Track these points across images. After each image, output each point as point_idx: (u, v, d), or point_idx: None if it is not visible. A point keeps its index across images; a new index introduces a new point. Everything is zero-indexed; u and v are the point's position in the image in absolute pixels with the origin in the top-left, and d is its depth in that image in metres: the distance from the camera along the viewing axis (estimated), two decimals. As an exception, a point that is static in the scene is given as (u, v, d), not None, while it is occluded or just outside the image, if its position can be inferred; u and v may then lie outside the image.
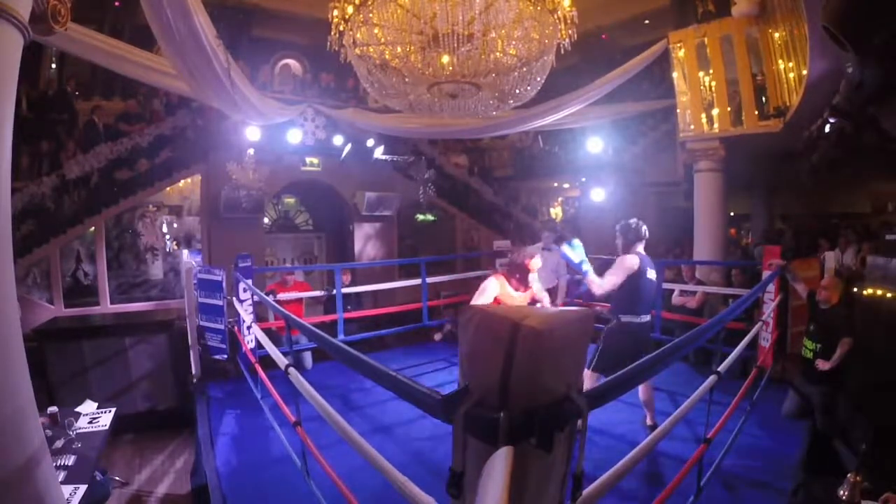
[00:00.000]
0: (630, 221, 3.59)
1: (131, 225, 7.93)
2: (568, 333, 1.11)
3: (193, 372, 5.12)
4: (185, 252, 8.02)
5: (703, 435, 2.53)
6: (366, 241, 8.91)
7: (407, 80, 3.98)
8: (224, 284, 4.88)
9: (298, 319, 2.75)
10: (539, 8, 3.54)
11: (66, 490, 2.53)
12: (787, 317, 4.93)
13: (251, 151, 7.00)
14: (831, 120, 4.06)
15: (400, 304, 6.54)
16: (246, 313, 4.57)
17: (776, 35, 5.28)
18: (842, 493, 1.84)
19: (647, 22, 9.63)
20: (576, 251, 3.37)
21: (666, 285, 5.52)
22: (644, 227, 3.58)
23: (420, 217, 10.21)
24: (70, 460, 2.93)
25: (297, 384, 2.28)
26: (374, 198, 8.40)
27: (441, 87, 3.96)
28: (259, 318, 4.97)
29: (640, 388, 3.63)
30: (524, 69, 3.94)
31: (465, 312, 1.15)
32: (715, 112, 6.15)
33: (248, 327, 4.52)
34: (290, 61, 10.39)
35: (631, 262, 3.44)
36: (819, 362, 3.52)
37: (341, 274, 5.70)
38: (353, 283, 6.33)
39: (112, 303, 6.71)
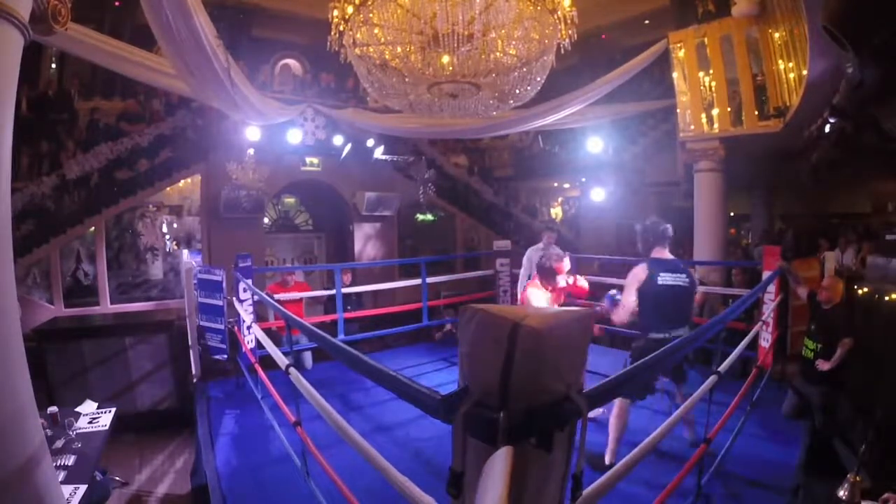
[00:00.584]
0: (648, 221, 3.26)
1: (131, 225, 7.93)
2: (568, 333, 1.11)
3: (193, 372, 5.12)
4: (185, 252, 8.02)
5: (703, 435, 2.52)
6: (366, 241, 8.91)
7: (407, 80, 3.98)
8: (224, 284, 4.88)
9: (298, 319, 2.75)
10: (539, 8, 3.53)
11: (66, 490, 2.53)
12: (788, 317, 4.94)
13: (251, 151, 7.00)
14: (831, 120, 4.06)
15: (400, 304, 6.54)
16: (246, 313, 4.57)
17: (776, 35, 5.28)
18: (842, 493, 1.83)
19: (647, 22, 9.63)
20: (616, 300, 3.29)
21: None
22: (664, 227, 3.22)
23: (420, 217, 10.21)
24: (70, 460, 2.93)
25: (298, 384, 2.28)
26: (374, 198, 8.40)
27: (441, 87, 3.96)
28: (259, 318, 4.97)
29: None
30: (524, 69, 3.94)
31: (465, 312, 1.15)
32: (715, 112, 6.15)
33: (248, 327, 4.52)
34: (290, 61, 10.39)
35: (636, 272, 3.14)
36: (820, 362, 3.51)
37: (341, 274, 5.70)
38: (353, 283, 6.33)
39: (112, 303, 6.71)
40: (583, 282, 3.84)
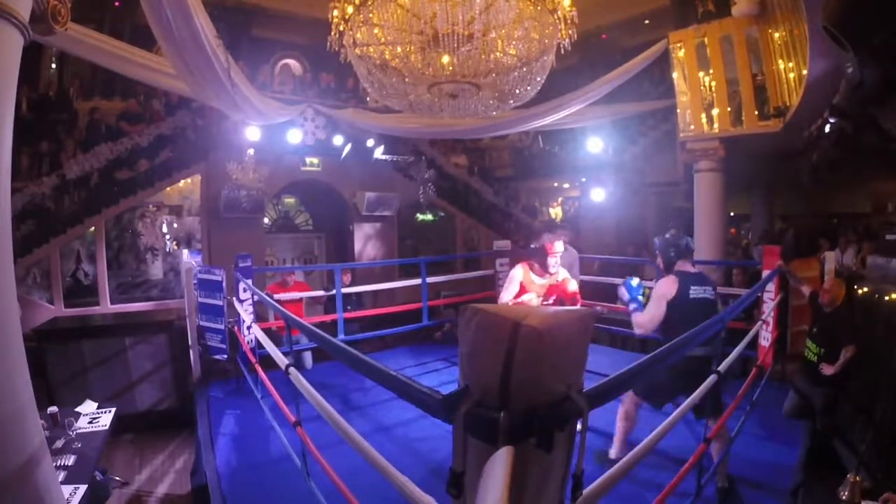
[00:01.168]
0: (669, 235, 3.19)
1: (131, 225, 7.93)
2: (568, 333, 1.11)
3: (193, 372, 5.12)
4: (185, 252, 8.01)
5: (703, 435, 2.52)
6: (366, 241, 8.91)
7: (407, 80, 3.98)
8: (224, 284, 4.88)
9: (298, 319, 2.75)
10: (539, 8, 3.54)
11: (66, 490, 2.53)
12: (788, 316, 4.94)
13: (251, 151, 7.00)
14: (831, 120, 4.06)
15: (400, 304, 6.54)
16: (246, 313, 4.57)
17: (776, 35, 5.28)
18: (842, 493, 1.83)
19: (647, 22, 9.64)
20: (634, 287, 3.19)
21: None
22: (686, 240, 3.18)
23: (420, 217, 10.21)
24: (70, 460, 2.93)
25: (298, 384, 2.28)
26: (374, 198, 8.40)
27: (441, 87, 3.97)
28: (259, 318, 4.97)
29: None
30: (524, 69, 3.94)
31: (465, 312, 1.15)
32: (715, 112, 6.15)
33: (248, 327, 4.52)
34: (290, 61, 10.40)
35: (666, 287, 3.04)
36: (824, 367, 3.50)
37: (341, 274, 5.70)
38: (353, 283, 6.33)
39: (112, 303, 6.71)
40: (572, 285, 3.75)
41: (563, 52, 3.81)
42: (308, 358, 5.64)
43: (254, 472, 3.35)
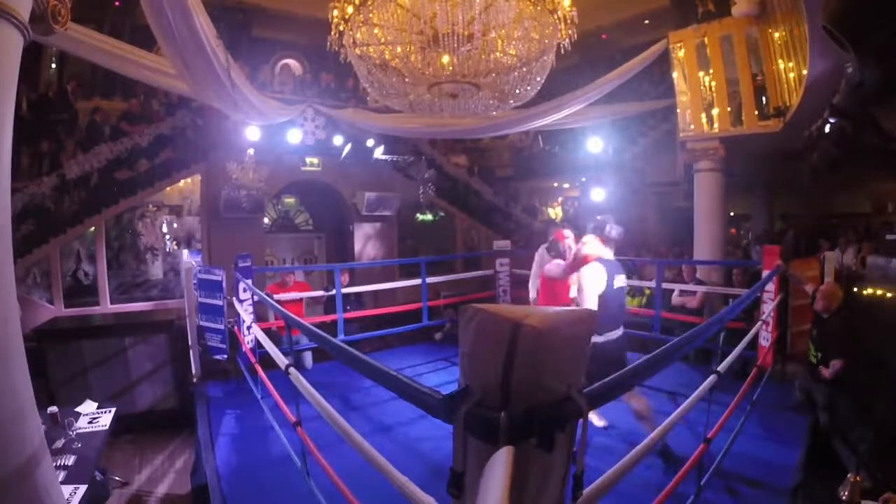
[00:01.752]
0: (598, 218, 3.35)
1: (131, 225, 7.93)
2: (569, 333, 1.11)
3: (193, 372, 5.12)
4: (185, 252, 8.02)
5: (703, 435, 2.53)
6: (366, 241, 8.91)
7: (407, 80, 3.98)
8: (224, 284, 4.88)
9: (298, 319, 2.75)
10: (539, 8, 3.54)
11: (66, 490, 2.53)
12: (787, 316, 4.94)
13: (251, 151, 7.00)
14: (831, 120, 4.06)
15: (400, 304, 6.54)
16: (246, 313, 4.57)
17: (776, 35, 5.28)
18: (842, 493, 1.83)
19: (647, 22, 9.63)
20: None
21: (666, 285, 5.52)
22: (610, 227, 3.29)
23: (420, 217, 10.21)
24: (70, 460, 2.93)
25: (298, 384, 2.28)
26: (374, 198, 8.40)
27: (441, 86, 3.96)
28: (259, 318, 4.97)
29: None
30: (524, 69, 3.94)
31: (466, 312, 1.15)
32: (715, 112, 6.15)
33: (248, 327, 4.52)
34: (290, 61, 10.40)
35: (595, 277, 3.17)
36: (822, 369, 3.52)
37: (341, 274, 5.70)
38: (353, 283, 6.33)
39: (112, 303, 6.71)
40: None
41: (563, 52, 3.81)
42: (308, 358, 5.64)
43: (254, 472, 3.35)
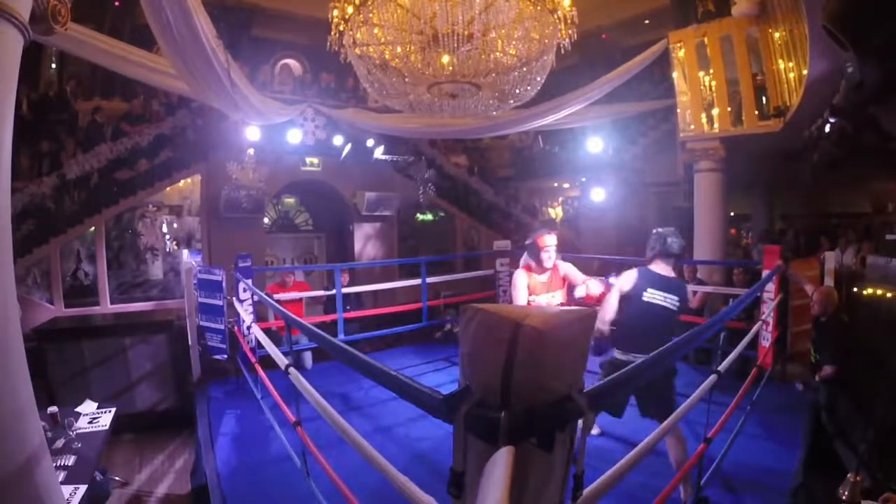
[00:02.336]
0: (657, 231, 3.03)
1: (131, 225, 7.92)
2: (569, 333, 1.11)
3: (193, 372, 5.12)
4: (185, 252, 8.01)
5: (703, 435, 2.53)
6: (366, 241, 8.91)
7: (407, 80, 3.98)
8: (224, 284, 4.88)
9: (298, 319, 2.75)
10: (539, 8, 3.54)
11: (66, 490, 2.53)
12: (788, 316, 4.94)
13: (251, 151, 7.00)
14: (831, 120, 4.06)
15: (400, 304, 6.54)
16: (246, 313, 4.57)
17: (776, 35, 5.28)
18: (842, 493, 1.83)
19: (647, 22, 9.63)
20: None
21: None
22: (670, 240, 2.93)
23: (420, 217, 10.21)
24: (70, 460, 2.93)
25: (297, 384, 2.28)
26: (374, 198, 8.40)
27: (441, 87, 3.97)
28: (259, 318, 4.97)
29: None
30: (524, 69, 3.95)
31: (466, 312, 1.15)
32: (715, 112, 6.15)
33: (248, 327, 4.52)
34: (290, 61, 10.39)
35: (623, 280, 2.97)
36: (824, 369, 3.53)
37: (341, 274, 5.70)
38: (353, 283, 6.33)
39: (112, 303, 6.70)
40: (595, 287, 3.54)
41: (563, 52, 3.82)
42: (308, 358, 5.64)
43: (254, 472, 3.35)
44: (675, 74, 6.50)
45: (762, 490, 2.96)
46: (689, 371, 5.03)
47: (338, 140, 7.79)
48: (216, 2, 8.08)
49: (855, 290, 5.00)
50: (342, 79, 8.90)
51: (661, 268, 2.96)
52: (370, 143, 8.04)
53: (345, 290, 5.68)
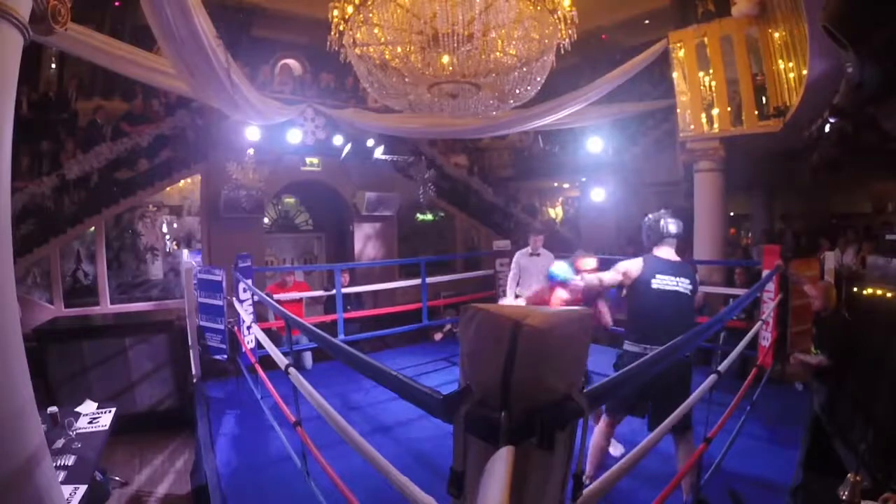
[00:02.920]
0: (648, 217, 2.93)
1: (131, 225, 7.92)
2: (569, 332, 1.11)
3: (193, 372, 5.12)
4: (185, 252, 8.02)
5: (703, 435, 2.53)
6: (366, 241, 8.91)
7: (407, 80, 3.98)
8: (224, 284, 4.88)
9: (298, 319, 2.75)
10: (539, 8, 3.54)
11: (66, 490, 2.53)
12: (788, 316, 4.94)
13: (251, 151, 7.00)
14: (831, 120, 4.06)
15: (400, 304, 6.54)
16: (246, 313, 4.57)
17: (776, 35, 5.28)
18: (842, 493, 1.83)
19: (647, 22, 9.62)
20: (561, 270, 3.17)
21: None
22: (666, 223, 2.84)
23: (420, 217, 10.21)
24: (70, 460, 2.92)
25: (297, 384, 2.28)
26: (374, 198, 8.40)
27: (441, 86, 3.97)
28: (259, 317, 4.97)
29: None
30: (524, 69, 3.94)
31: (466, 312, 1.15)
32: (715, 112, 6.15)
33: (248, 327, 4.52)
34: (290, 61, 10.38)
35: (630, 263, 2.85)
36: (808, 358, 3.57)
37: (341, 274, 5.70)
38: (353, 283, 6.33)
39: (112, 303, 6.71)
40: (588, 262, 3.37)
41: (563, 52, 3.82)
42: (308, 358, 5.64)
43: (254, 472, 3.35)
44: (675, 74, 6.50)
45: (762, 490, 2.96)
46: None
47: (338, 140, 7.79)
48: (216, 2, 8.07)
49: (855, 289, 5.00)
50: (342, 79, 8.90)
51: (665, 252, 2.83)
52: (370, 143, 8.04)
53: (345, 291, 5.68)
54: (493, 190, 9.87)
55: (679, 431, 2.61)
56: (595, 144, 8.68)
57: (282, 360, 2.58)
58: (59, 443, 3.10)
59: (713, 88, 6.13)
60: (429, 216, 10.24)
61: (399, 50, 3.86)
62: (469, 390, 1.07)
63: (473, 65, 3.75)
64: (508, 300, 5.18)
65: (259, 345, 4.08)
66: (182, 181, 7.52)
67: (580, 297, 3.32)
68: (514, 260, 5.34)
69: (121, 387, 5.19)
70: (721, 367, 2.50)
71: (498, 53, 3.83)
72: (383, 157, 8.39)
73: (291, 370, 2.39)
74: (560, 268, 3.26)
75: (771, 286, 4.45)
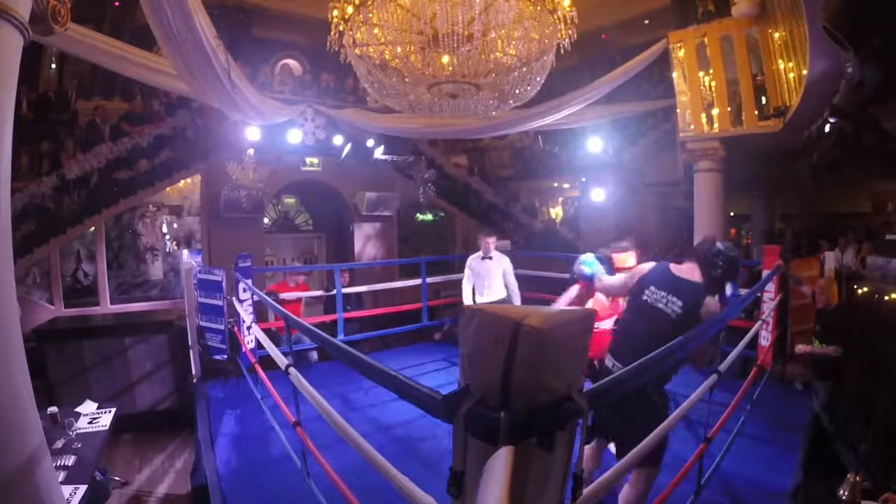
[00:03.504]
0: (722, 251, 2.34)
1: (131, 225, 7.92)
2: (569, 332, 1.11)
3: (193, 372, 5.12)
4: (185, 252, 8.01)
5: (703, 435, 2.52)
6: (366, 241, 8.91)
7: (407, 80, 3.98)
8: (224, 284, 4.88)
9: (298, 319, 2.75)
10: (539, 8, 3.54)
11: (66, 490, 2.53)
12: (787, 316, 4.94)
13: (251, 151, 7.00)
14: (831, 120, 4.06)
15: (400, 304, 6.54)
16: (246, 313, 4.57)
17: (776, 35, 5.28)
18: (842, 493, 1.84)
19: (647, 22, 9.63)
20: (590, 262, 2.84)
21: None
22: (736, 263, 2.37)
23: (420, 217, 10.21)
24: (70, 460, 2.93)
25: (297, 384, 2.28)
26: (374, 198, 8.40)
27: (441, 87, 3.97)
28: (259, 317, 4.97)
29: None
30: (524, 69, 3.94)
31: (465, 312, 1.15)
32: (715, 112, 6.15)
33: (248, 327, 4.52)
34: (290, 61, 10.39)
35: (638, 268, 2.57)
36: (806, 349, 3.61)
37: (341, 274, 5.70)
38: (353, 283, 6.33)
39: (112, 303, 6.71)
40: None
41: (562, 52, 3.81)
42: (312, 353, 5.63)
43: (254, 472, 3.35)
44: (674, 74, 6.50)
45: (762, 490, 2.96)
46: (689, 371, 5.03)
47: (338, 140, 7.79)
48: (216, 2, 8.08)
49: (854, 289, 5.00)
50: (342, 79, 8.90)
51: (686, 269, 2.39)
52: (370, 143, 8.04)
53: (345, 291, 5.68)
54: (493, 190, 9.87)
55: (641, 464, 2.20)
56: (595, 144, 8.68)
57: (282, 360, 2.58)
58: (59, 443, 3.10)
59: (713, 88, 6.12)
60: (429, 216, 10.24)
61: (399, 50, 3.85)
62: (468, 390, 1.07)
63: (473, 65, 3.75)
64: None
65: (259, 345, 4.08)
66: (182, 181, 7.52)
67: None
68: (467, 264, 5.13)
69: (121, 387, 5.19)
70: (721, 367, 2.50)
71: (498, 53, 3.83)
72: (383, 157, 8.38)
73: (291, 370, 2.39)
74: (589, 260, 2.88)
75: (771, 286, 4.45)
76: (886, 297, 4.10)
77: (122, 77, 5.72)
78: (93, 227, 6.59)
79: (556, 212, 11.50)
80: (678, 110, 6.55)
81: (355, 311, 6.19)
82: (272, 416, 3.53)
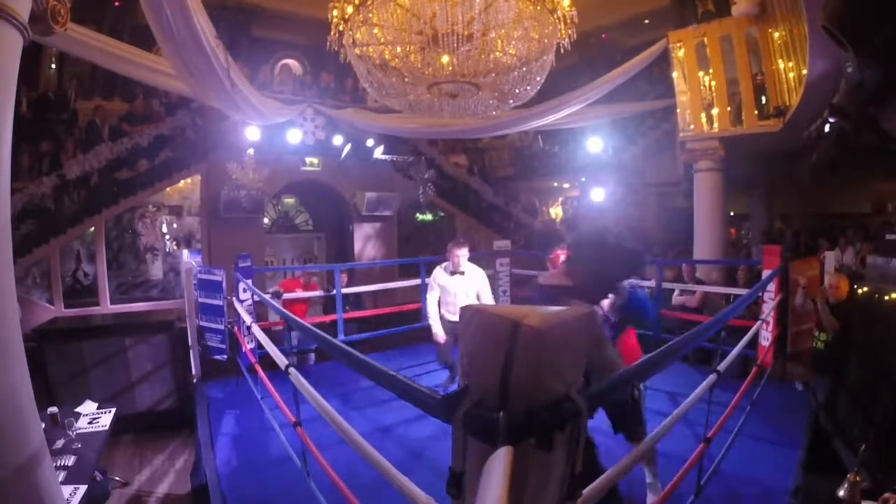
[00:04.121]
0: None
1: (131, 225, 7.92)
2: (568, 332, 1.11)
3: (193, 372, 5.12)
4: (185, 252, 8.01)
5: (703, 435, 2.52)
6: (366, 241, 8.91)
7: (407, 79, 3.98)
8: (224, 284, 4.88)
9: (298, 319, 2.75)
10: (539, 8, 3.54)
11: (66, 490, 2.53)
12: (788, 316, 4.94)
13: (251, 151, 7.00)
14: (831, 120, 4.06)
15: (400, 304, 6.54)
16: (246, 313, 4.57)
17: (776, 35, 5.28)
18: (842, 493, 1.83)
19: (647, 22, 9.63)
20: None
21: (666, 285, 5.52)
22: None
23: (420, 217, 10.21)
24: (70, 460, 2.92)
25: (297, 384, 2.28)
26: (374, 198, 8.40)
27: (441, 86, 3.97)
28: (259, 318, 4.97)
29: None
30: (524, 69, 3.95)
31: (465, 312, 1.15)
32: (715, 112, 6.15)
33: (248, 327, 4.52)
34: (290, 61, 10.39)
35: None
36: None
37: (341, 274, 5.70)
38: (352, 283, 6.32)
39: (112, 303, 6.71)
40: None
41: (562, 52, 3.82)
42: (310, 354, 5.63)
43: (254, 472, 3.34)
44: (674, 74, 6.50)
45: (762, 490, 2.96)
46: (689, 371, 5.03)
47: (338, 140, 7.79)
48: (216, 2, 8.07)
49: (854, 289, 4.99)
50: (342, 79, 8.90)
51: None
52: (370, 143, 8.04)
53: (344, 291, 5.68)
54: (493, 190, 9.87)
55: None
56: (595, 144, 8.68)
57: (282, 360, 2.58)
58: (59, 443, 3.10)
59: (713, 88, 6.13)
60: (429, 216, 10.24)
61: (399, 50, 3.86)
62: (468, 390, 1.07)
63: (473, 65, 3.75)
64: (434, 328, 4.42)
65: (259, 345, 4.07)
66: (182, 181, 7.52)
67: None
68: (433, 276, 4.53)
69: (121, 387, 5.18)
70: (721, 367, 2.50)
71: (498, 53, 3.83)
72: (383, 157, 8.39)
73: (291, 370, 2.39)
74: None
75: (771, 286, 4.46)
76: (886, 297, 4.09)
77: (121, 77, 5.71)
78: (93, 227, 6.59)
79: (556, 212, 11.49)
80: (678, 110, 6.55)
81: (355, 311, 6.19)
82: (272, 416, 3.53)
